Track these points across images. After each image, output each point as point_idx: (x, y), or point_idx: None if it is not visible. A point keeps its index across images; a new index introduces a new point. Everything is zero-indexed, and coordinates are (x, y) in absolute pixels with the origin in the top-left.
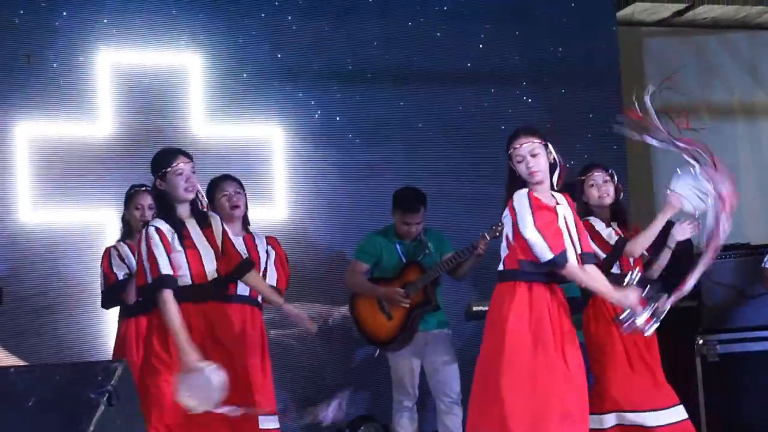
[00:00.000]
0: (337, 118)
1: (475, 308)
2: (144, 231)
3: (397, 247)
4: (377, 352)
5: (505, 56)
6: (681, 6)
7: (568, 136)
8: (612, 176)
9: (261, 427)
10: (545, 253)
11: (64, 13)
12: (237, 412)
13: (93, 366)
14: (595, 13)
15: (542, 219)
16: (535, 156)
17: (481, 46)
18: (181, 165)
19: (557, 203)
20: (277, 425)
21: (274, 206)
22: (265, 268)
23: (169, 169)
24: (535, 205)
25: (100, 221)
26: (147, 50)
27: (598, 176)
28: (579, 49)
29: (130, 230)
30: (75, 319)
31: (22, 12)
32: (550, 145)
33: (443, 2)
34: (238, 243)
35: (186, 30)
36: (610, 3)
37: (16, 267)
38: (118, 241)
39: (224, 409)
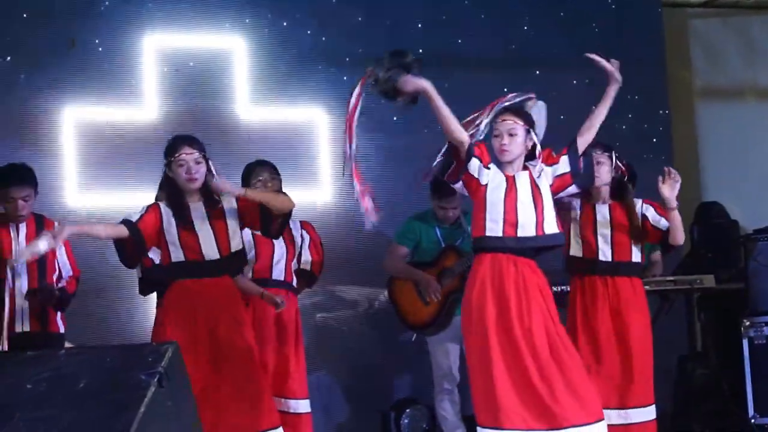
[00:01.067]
0: (381, 101)
1: None
2: None
3: (436, 231)
4: (413, 336)
5: (550, 38)
6: None
7: (612, 118)
8: (610, 157)
9: (292, 411)
10: None
11: (107, 2)
12: None
13: (143, 348)
14: None
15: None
16: (512, 136)
17: (525, 28)
18: (184, 156)
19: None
20: (308, 410)
21: (318, 189)
22: (300, 252)
23: (172, 158)
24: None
25: (145, 204)
26: (192, 34)
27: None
28: (624, 31)
29: None
30: (122, 302)
31: None
32: (532, 131)
33: None
34: None
35: (231, 13)
36: None
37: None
38: None
39: None
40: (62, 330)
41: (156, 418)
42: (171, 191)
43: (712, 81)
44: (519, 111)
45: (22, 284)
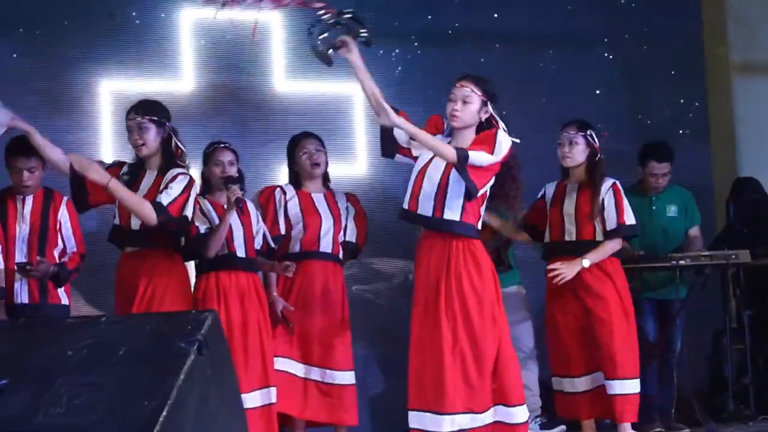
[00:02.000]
0: (418, 75)
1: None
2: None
3: None
4: None
5: (586, 15)
6: None
7: (648, 94)
8: (585, 137)
9: (337, 383)
10: None
11: None
12: None
13: (183, 316)
14: None
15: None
16: (466, 103)
17: (562, 4)
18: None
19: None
20: (352, 381)
21: (355, 162)
22: (345, 225)
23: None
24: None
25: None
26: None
27: (564, 136)
28: (661, 7)
29: (210, 186)
30: None
31: None
32: (490, 104)
33: None
34: (319, 199)
35: None
36: None
37: (103, 220)
38: (199, 195)
39: None
40: (65, 302)
41: (195, 385)
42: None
43: (749, 56)
44: (480, 80)
45: (20, 256)
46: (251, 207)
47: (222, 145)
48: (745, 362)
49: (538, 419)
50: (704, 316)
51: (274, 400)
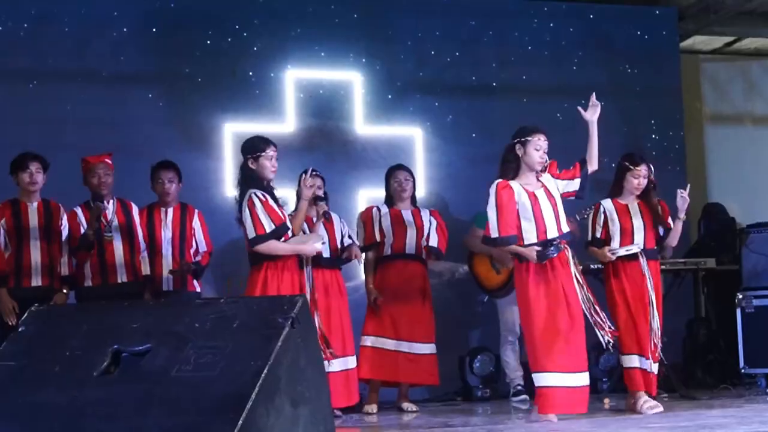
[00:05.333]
0: (463, 122)
1: None
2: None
3: None
4: (486, 298)
5: (592, 75)
6: (731, 38)
7: (639, 137)
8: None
9: (420, 352)
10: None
11: (259, 43)
12: None
13: (280, 299)
14: (663, 44)
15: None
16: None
17: (574, 68)
18: (271, 152)
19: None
20: (432, 351)
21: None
22: (428, 233)
23: (261, 154)
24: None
25: (286, 195)
26: (322, 69)
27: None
28: (649, 72)
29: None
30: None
31: (229, 39)
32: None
33: (546, 34)
34: (407, 215)
35: (352, 54)
36: (675, 36)
37: (222, 231)
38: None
39: None
40: (198, 289)
41: (289, 349)
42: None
43: (718, 110)
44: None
45: (168, 257)
46: (335, 218)
47: (315, 173)
48: (710, 344)
49: (519, 387)
50: (680, 308)
51: (351, 366)
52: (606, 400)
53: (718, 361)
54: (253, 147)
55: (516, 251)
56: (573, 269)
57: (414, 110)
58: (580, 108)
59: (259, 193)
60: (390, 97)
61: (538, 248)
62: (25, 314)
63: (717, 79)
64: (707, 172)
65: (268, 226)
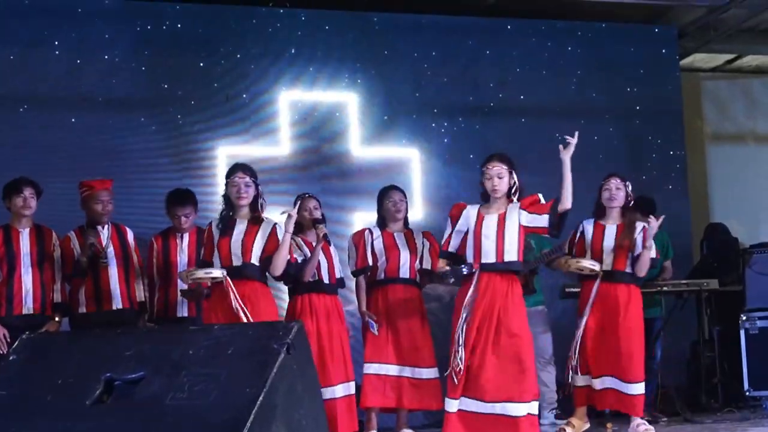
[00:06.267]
0: (461, 143)
1: (567, 290)
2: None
3: None
4: None
5: (593, 95)
6: (731, 56)
7: (640, 158)
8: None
9: (422, 378)
10: None
11: (252, 66)
12: None
13: (276, 325)
14: (663, 63)
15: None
16: (501, 178)
17: (573, 87)
18: (237, 179)
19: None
20: (435, 375)
21: (412, 208)
22: (422, 255)
23: (228, 179)
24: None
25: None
26: (317, 90)
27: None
28: (651, 90)
29: (301, 226)
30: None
31: (223, 62)
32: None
33: (545, 52)
34: (399, 237)
35: (346, 75)
36: (675, 54)
37: None
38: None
39: None
40: None
41: (285, 376)
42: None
43: (720, 128)
44: (503, 157)
45: (180, 284)
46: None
47: (308, 195)
48: (714, 366)
49: (554, 411)
50: (684, 330)
51: (352, 392)
52: (609, 425)
53: (722, 383)
54: (227, 173)
55: (439, 268)
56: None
57: (410, 131)
58: (561, 146)
59: (213, 224)
60: (386, 118)
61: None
62: (16, 342)
63: (718, 98)
64: (709, 191)
65: (198, 258)
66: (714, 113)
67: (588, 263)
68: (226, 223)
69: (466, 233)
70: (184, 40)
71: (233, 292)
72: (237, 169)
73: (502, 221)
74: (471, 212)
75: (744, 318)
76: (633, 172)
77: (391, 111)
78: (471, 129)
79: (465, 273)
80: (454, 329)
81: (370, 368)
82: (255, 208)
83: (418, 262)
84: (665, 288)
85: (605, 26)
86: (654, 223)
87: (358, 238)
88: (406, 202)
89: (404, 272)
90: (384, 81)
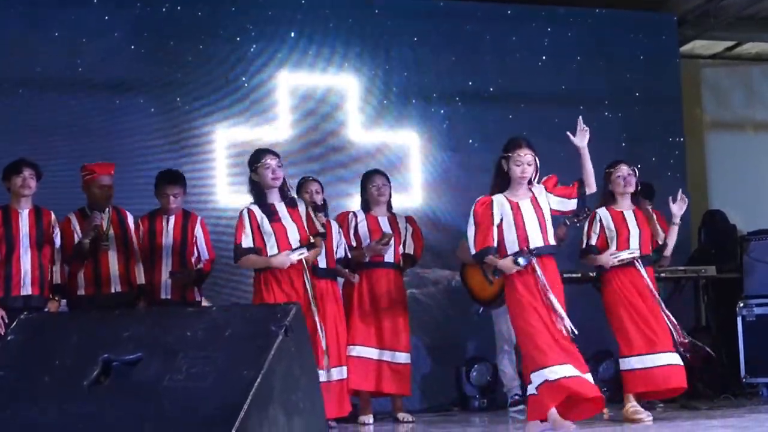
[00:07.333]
0: (460, 128)
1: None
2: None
3: None
4: (481, 309)
5: (593, 82)
6: (731, 43)
7: (640, 146)
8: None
9: (398, 362)
10: None
11: (254, 46)
12: None
13: (274, 307)
14: (663, 49)
15: None
16: (530, 165)
17: (573, 74)
18: (269, 161)
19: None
20: (409, 361)
21: (411, 194)
22: (405, 240)
23: (258, 164)
24: None
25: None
26: (317, 74)
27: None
28: (650, 77)
29: None
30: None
31: (222, 45)
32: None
33: (545, 38)
34: (383, 221)
35: (347, 58)
36: (675, 41)
37: (215, 237)
38: None
39: None
40: (198, 298)
41: (283, 358)
42: (256, 193)
43: (719, 116)
44: (530, 143)
45: (168, 265)
46: (334, 228)
47: (310, 178)
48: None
49: (516, 396)
50: (681, 316)
51: (344, 376)
52: (605, 410)
53: (719, 371)
54: (253, 159)
55: (492, 263)
56: (542, 278)
57: (410, 116)
58: (569, 133)
59: (254, 209)
60: (386, 102)
61: (511, 257)
62: (14, 323)
63: (717, 86)
64: (708, 179)
65: (246, 242)
66: (713, 101)
67: (626, 254)
68: (269, 209)
69: (500, 224)
70: (184, 23)
71: (307, 273)
72: (265, 153)
73: (537, 205)
74: (501, 201)
75: (741, 305)
76: (632, 159)
77: (391, 95)
78: (470, 114)
79: (525, 263)
80: (530, 312)
81: (353, 350)
82: (282, 189)
83: (401, 246)
84: (663, 275)
85: (605, 13)
86: (677, 210)
87: (341, 219)
88: (390, 187)
89: (388, 256)
90: (384, 65)
